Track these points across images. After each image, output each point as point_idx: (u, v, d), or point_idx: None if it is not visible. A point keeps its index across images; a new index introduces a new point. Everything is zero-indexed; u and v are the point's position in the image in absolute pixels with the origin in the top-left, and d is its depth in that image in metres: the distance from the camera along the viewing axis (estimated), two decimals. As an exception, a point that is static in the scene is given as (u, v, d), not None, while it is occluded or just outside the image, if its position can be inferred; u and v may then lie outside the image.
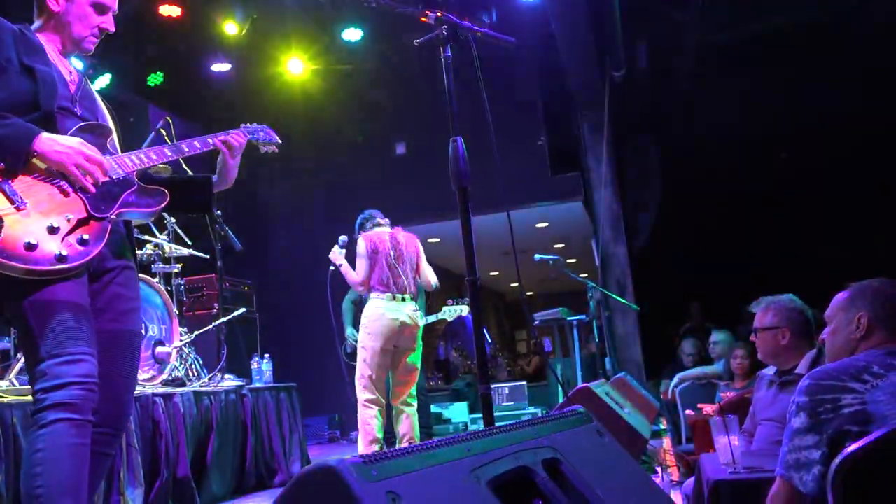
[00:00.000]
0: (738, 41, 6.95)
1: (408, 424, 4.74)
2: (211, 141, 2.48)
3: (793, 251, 7.66)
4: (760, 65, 7.21)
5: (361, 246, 4.81)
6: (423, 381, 11.18)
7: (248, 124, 2.74)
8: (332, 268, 4.79)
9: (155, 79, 8.26)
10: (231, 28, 7.67)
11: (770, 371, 3.06)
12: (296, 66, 8.60)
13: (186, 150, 2.42)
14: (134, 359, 2.26)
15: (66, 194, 2.06)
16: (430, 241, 10.82)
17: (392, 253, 4.77)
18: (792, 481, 1.70)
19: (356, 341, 5.14)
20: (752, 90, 7.51)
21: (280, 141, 2.80)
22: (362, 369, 4.68)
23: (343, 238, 4.99)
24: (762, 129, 7.86)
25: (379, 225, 4.94)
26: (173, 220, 5.54)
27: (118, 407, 2.17)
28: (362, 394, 4.68)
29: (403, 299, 4.69)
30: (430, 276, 4.93)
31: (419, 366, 4.86)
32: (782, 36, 6.81)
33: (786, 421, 2.72)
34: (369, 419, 4.63)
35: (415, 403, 4.86)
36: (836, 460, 1.54)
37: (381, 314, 4.65)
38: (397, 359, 4.76)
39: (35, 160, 2.02)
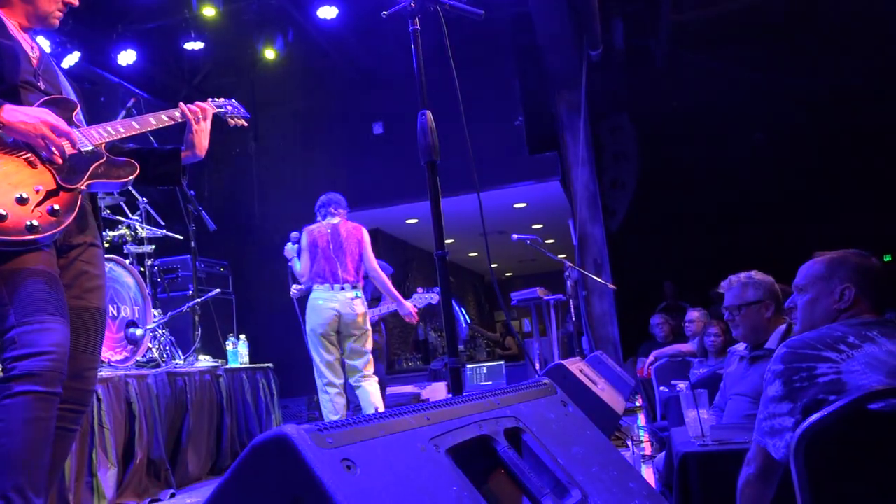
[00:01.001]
0: (713, 19, 6.98)
1: (367, 394, 4.93)
2: (178, 113, 2.47)
3: (765, 228, 7.75)
4: (736, 43, 7.25)
5: (303, 240, 5.08)
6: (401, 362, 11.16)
7: (216, 98, 2.72)
8: (289, 263, 5.05)
9: (126, 57, 8.10)
10: (208, 11, 7.53)
11: (741, 346, 3.09)
12: (272, 45, 8.48)
13: (154, 122, 2.39)
14: (99, 335, 2.25)
15: (33, 166, 2.04)
16: (408, 221, 10.79)
17: (331, 246, 4.99)
18: (766, 448, 1.72)
19: None
20: (727, 69, 7.55)
21: (249, 115, 2.78)
22: (313, 355, 4.94)
23: (295, 234, 5.23)
24: (738, 109, 7.91)
25: (331, 214, 5.09)
26: (146, 199, 5.47)
27: (82, 382, 2.16)
28: (318, 378, 4.94)
29: (342, 289, 4.91)
30: (373, 265, 5.13)
31: (368, 348, 5.03)
32: (757, 14, 6.84)
33: (756, 395, 2.76)
34: (327, 402, 4.89)
35: (372, 375, 5.01)
36: (799, 429, 1.55)
37: (318, 305, 4.88)
38: (343, 344, 4.98)
39: (1, 132, 1.99)
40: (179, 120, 2.47)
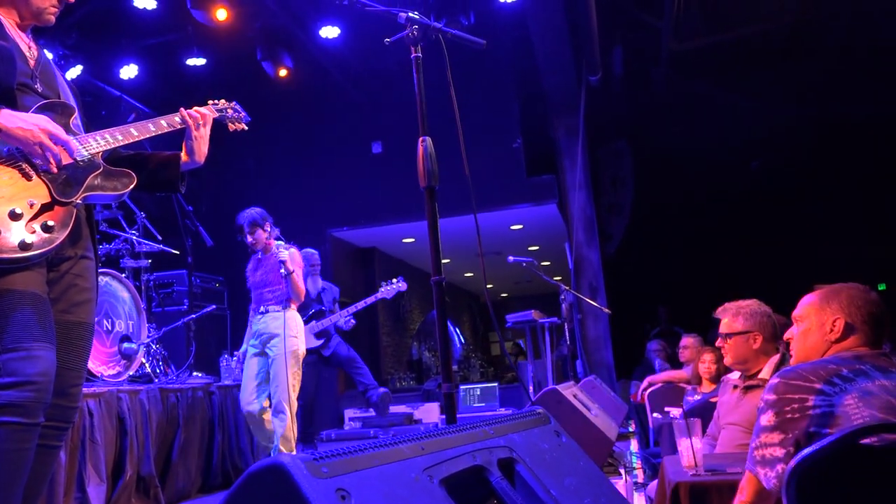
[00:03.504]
0: (714, 47, 7.05)
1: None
2: (178, 119, 2.43)
3: (761, 257, 7.79)
4: (733, 71, 7.32)
5: (301, 259, 4.91)
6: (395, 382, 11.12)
7: (217, 101, 2.70)
8: (282, 271, 4.51)
9: (128, 71, 8.14)
10: (210, 22, 7.58)
11: (735, 376, 3.10)
12: (272, 63, 8.53)
13: (153, 129, 2.36)
14: (85, 352, 2.19)
15: (28, 178, 1.97)
16: (404, 241, 10.81)
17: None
18: (758, 477, 1.73)
19: None
20: (724, 97, 7.62)
21: (250, 118, 2.77)
22: (291, 380, 4.53)
23: (311, 252, 5.33)
24: (734, 136, 7.98)
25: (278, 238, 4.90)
26: (143, 214, 5.47)
27: (67, 399, 2.10)
28: (292, 403, 4.54)
29: None
30: None
31: None
32: (757, 43, 6.92)
33: (749, 424, 2.77)
34: (292, 427, 4.57)
35: None
36: (792, 462, 1.56)
37: (303, 324, 4.86)
38: None
39: None
40: (179, 126, 2.43)
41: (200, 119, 2.47)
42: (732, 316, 2.94)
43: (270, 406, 4.54)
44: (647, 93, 8.01)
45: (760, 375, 2.84)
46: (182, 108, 2.47)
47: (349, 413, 8.75)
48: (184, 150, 2.46)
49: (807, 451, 1.54)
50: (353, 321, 6.15)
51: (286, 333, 4.54)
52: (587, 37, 6.66)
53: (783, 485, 1.55)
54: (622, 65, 7.57)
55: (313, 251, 6.30)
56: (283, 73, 8.25)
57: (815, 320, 2.00)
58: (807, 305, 2.05)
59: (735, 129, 7.92)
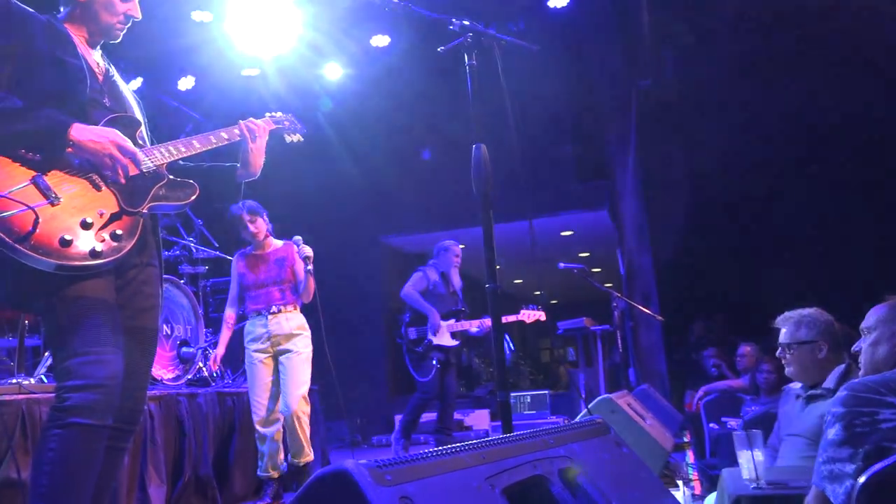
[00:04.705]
0: (771, 50, 6.88)
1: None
2: (237, 131, 2.48)
3: (821, 264, 7.54)
4: (793, 72, 7.13)
5: None
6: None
7: (274, 113, 2.76)
8: (308, 268, 4.26)
9: (186, 83, 8.37)
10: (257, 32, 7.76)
11: (797, 386, 3.01)
12: (325, 72, 8.69)
13: (213, 140, 2.42)
14: (150, 356, 2.26)
15: (98, 188, 2.06)
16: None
17: None
18: (825, 492, 1.67)
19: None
20: (783, 98, 7.42)
21: (305, 129, 2.82)
22: (310, 376, 4.39)
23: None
24: (794, 140, 7.75)
25: None
26: (201, 221, 5.61)
27: (133, 402, 2.17)
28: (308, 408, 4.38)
29: None
30: None
31: None
32: (816, 46, 6.73)
33: (812, 436, 2.69)
34: None
35: None
36: (863, 478, 1.51)
37: None
38: None
39: (67, 153, 2.02)
40: (238, 138, 2.47)
41: (257, 131, 2.50)
42: (795, 325, 2.85)
43: (287, 410, 4.22)
44: (700, 96, 7.86)
45: (824, 385, 2.76)
46: (241, 122, 2.50)
47: (399, 418, 8.80)
48: (240, 162, 2.50)
49: (878, 466, 1.49)
50: (484, 331, 5.75)
51: (304, 333, 4.35)
52: (639, 40, 6.59)
53: (853, 502, 1.51)
54: (674, 68, 7.46)
55: (453, 241, 6.13)
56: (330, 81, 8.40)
57: (886, 331, 1.94)
58: (877, 316, 2.00)
59: (794, 132, 7.70)
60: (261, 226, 4.40)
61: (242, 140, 2.48)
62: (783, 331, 2.90)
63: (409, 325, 5.80)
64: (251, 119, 2.53)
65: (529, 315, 5.85)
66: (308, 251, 4.26)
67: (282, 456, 4.37)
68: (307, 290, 4.33)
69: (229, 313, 4.53)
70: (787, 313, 2.93)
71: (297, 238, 4.37)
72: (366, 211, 9.44)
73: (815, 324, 2.81)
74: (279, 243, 4.52)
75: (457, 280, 6.01)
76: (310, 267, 4.24)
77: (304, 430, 4.27)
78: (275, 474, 4.31)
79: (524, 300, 6.10)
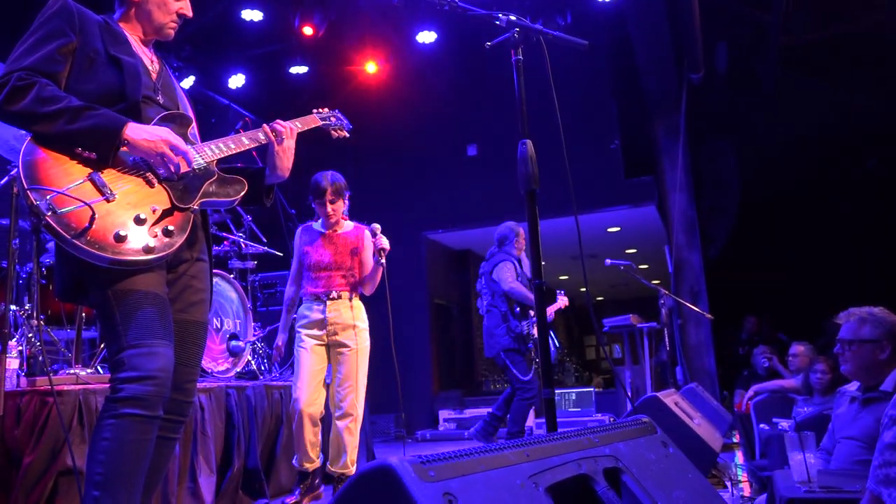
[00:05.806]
0: (823, 43, 6.67)
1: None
2: (261, 134, 2.45)
3: (875, 262, 7.29)
4: (846, 67, 6.90)
5: None
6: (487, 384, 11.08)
7: (320, 109, 2.76)
8: (382, 260, 3.92)
9: (236, 80, 8.55)
10: (308, 30, 7.87)
11: (852, 387, 2.92)
12: (371, 68, 8.78)
13: (262, 138, 2.44)
14: (199, 349, 2.31)
15: (151, 185, 2.11)
16: (499, 243, 10.79)
17: None
18: (882, 497, 1.63)
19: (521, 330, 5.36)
20: (836, 93, 7.19)
21: (351, 126, 2.83)
22: (366, 375, 4.08)
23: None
24: (848, 135, 7.51)
25: None
26: (250, 217, 5.70)
27: (182, 394, 2.23)
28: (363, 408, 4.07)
29: None
30: None
31: None
32: (871, 38, 6.50)
33: (868, 439, 2.61)
34: None
35: None
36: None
37: None
38: None
39: (122, 151, 2.07)
40: (263, 142, 2.44)
41: (283, 133, 2.46)
42: (859, 322, 2.76)
43: (336, 409, 3.96)
44: (752, 90, 7.67)
45: (882, 388, 2.68)
46: (265, 125, 2.47)
47: (444, 414, 8.83)
48: (268, 165, 2.47)
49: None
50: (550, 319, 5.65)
51: (363, 326, 4.06)
52: (689, 34, 6.45)
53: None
54: (726, 62, 7.29)
55: (513, 223, 5.85)
56: (376, 78, 8.46)
57: None
58: None
59: (847, 127, 7.46)
60: (339, 208, 4.08)
61: (268, 143, 2.45)
62: (844, 326, 2.82)
63: (518, 318, 5.48)
64: (278, 121, 2.49)
65: (563, 301, 5.72)
66: (385, 243, 3.93)
67: (318, 450, 4.06)
68: (373, 281, 4.05)
69: (290, 292, 4.20)
70: (851, 309, 2.84)
71: (375, 226, 4.05)
72: (409, 206, 9.48)
73: (881, 323, 2.72)
74: (350, 225, 4.20)
75: (527, 265, 5.63)
76: (382, 260, 3.90)
77: (352, 437, 3.95)
78: (309, 467, 4.04)
79: (571, 297, 6.03)
